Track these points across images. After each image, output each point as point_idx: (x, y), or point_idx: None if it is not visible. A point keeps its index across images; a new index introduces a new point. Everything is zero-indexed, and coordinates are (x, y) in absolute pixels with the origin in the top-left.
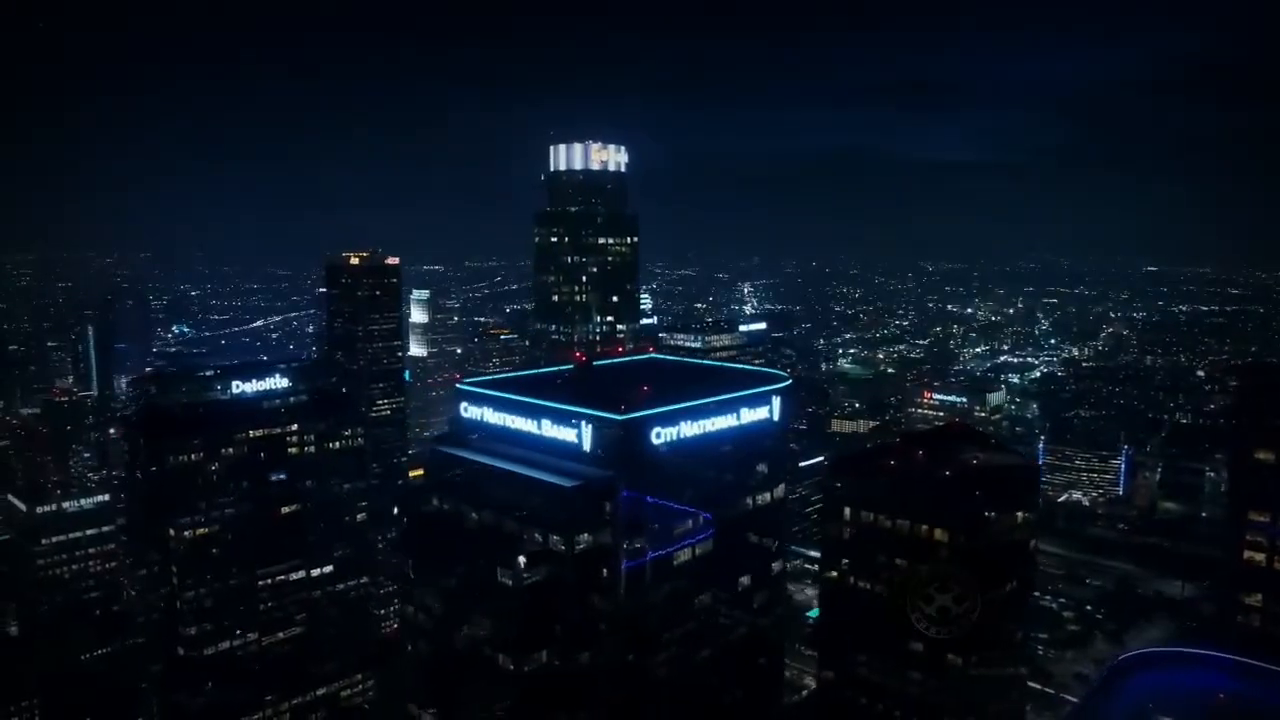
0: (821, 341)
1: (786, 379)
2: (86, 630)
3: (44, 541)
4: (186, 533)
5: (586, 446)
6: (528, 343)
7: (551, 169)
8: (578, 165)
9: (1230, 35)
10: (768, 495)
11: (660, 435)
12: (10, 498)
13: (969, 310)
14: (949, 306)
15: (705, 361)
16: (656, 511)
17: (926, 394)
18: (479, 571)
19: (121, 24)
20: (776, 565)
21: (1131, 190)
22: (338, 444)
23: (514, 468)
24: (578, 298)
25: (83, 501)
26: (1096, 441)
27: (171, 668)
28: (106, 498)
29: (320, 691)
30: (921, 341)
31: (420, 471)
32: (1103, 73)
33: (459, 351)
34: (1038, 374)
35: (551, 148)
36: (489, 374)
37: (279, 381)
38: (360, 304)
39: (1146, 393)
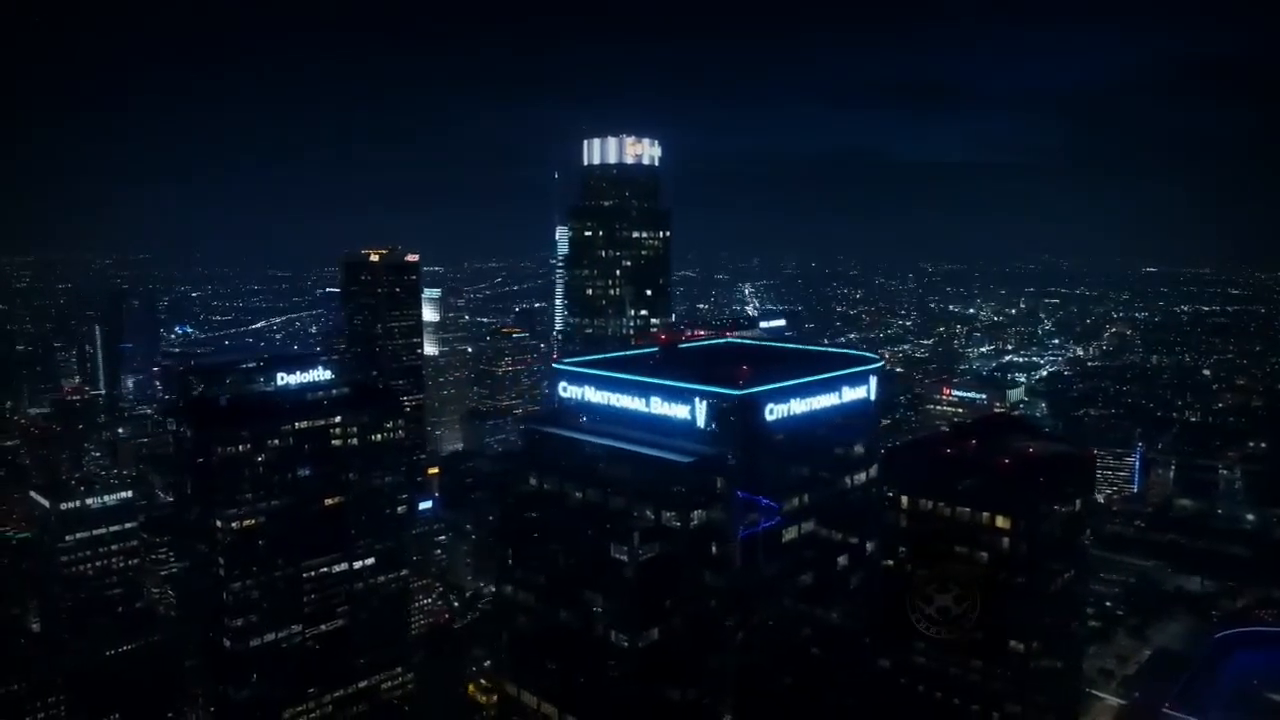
0: (826, 341)
1: (878, 360)
2: (110, 627)
3: (67, 538)
4: (234, 524)
5: (700, 422)
6: (540, 342)
7: (585, 163)
8: (612, 159)
9: (1230, 35)
10: (863, 475)
11: (773, 411)
12: (33, 494)
13: (971, 310)
14: (951, 307)
15: (782, 344)
16: (767, 488)
17: (946, 390)
18: (587, 549)
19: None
20: (870, 546)
21: (1130, 191)
22: (379, 436)
23: (621, 445)
24: (612, 292)
25: (105, 498)
26: (1109, 439)
27: (218, 660)
28: (129, 494)
29: (361, 684)
30: (926, 341)
31: (436, 470)
32: (1101, 73)
33: (469, 350)
34: (1044, 373)
35: (585, 142)
36: (585, 356)
37: (322, 374)
38: (380, 300)
39: (1154, 391)
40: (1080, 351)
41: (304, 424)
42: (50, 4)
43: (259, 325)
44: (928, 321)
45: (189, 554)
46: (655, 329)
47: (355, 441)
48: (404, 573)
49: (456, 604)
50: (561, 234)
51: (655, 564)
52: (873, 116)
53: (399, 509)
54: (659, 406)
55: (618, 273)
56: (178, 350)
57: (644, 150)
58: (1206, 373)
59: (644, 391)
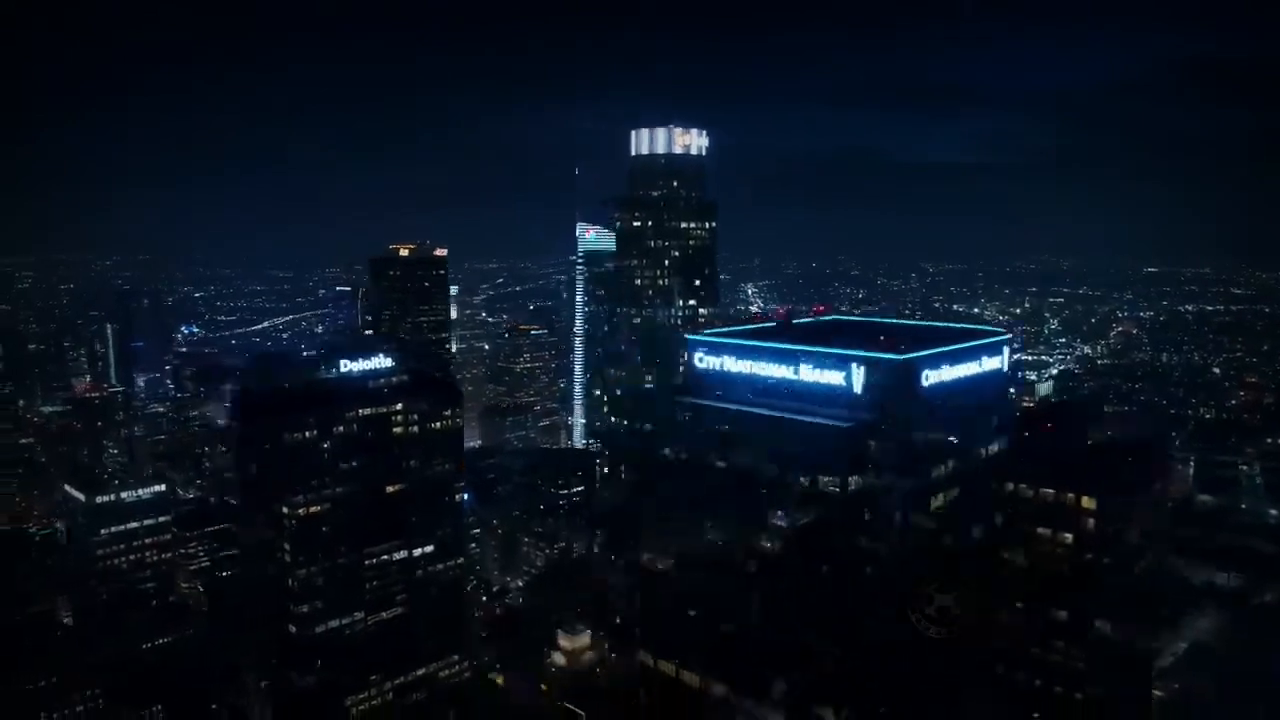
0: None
1: (1006, 333)
2: (145, 620)
3: (101, 532)
4: (300, 510)
5: (857, 388)
6: (558, 339)
7: (633, 153)
8: (660, 149)
9: (1230, 36)
10: (996, 446)
11: (928, 378)
12: (67, 488)
13: (975, 310)
14: (955, 306)
15: (893, 321)
16: (920, 454)
17: None
18: (739, 516)
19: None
20: (999, 519)
21: (1130, 192)
22: (438, 424)
23: (774, 412)
24: (660, 281)
25: (139, 491)
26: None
27: (282, 646)
28: (162, 487)
29: (420, 672)
30: None
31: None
32: (1100, 74)
33: (487, 347)
34: (1054, 371)
35: (634, 132)
36: (717, 329)
37: (382, 361)
38: (409, 296)
39: (1165, 389)
40: (1088, 350)
41: (367, 411)
42: (51, 4)
43: (264, 325)
44: (933, 320)
45: (248, 542)
46: (702, 319)
47: (415, 429)
48: (460, 561)
49: (484, 597)
50: (584, 230)
51: (813, 529)
52: (873, 116)
53: (456, 497)
54: (809, 374)
55: (666, 263)
56: (185, 350)
57: (692, 140)
58: (1216, 370)
59: (792, 359)
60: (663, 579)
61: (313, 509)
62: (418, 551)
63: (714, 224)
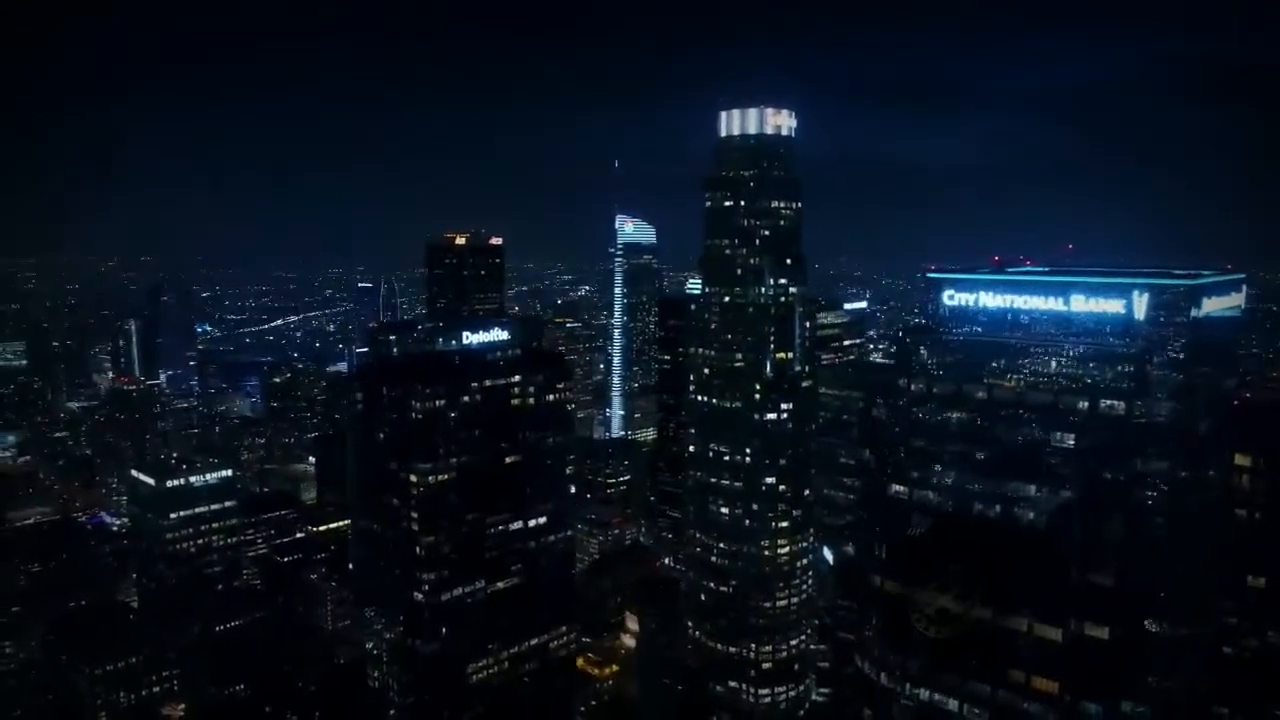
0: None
1: (1241, 273)
2: (215, 603)
3: (172, 516)
4: (430, 478)
5: (1139, 315)
6: (592, 331)
7: (722, 134)
8: (751, 130)
9: (1230, 36)
10: (1233, 382)
11: (1202, 306)
12: (134, 473)
13: None
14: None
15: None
16: (1198, 382)
17: None
18: (1011, 444)
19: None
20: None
21: (1130, 192)
22: (552, 397)
23: (1035, 344)
24: (751, 261)
25: (208, 476)
26: None
27: (409, 613)
28: (229, 472)
29: (533, 642)
30: None
31: None
32: (1098, 75)
33: None
34: None
35: (723, 113)
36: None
37: (501, 334)
38: (465, 283)
39: None
40: None
41: (488, 382)
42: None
43: (276, 323)
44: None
45: (371, 509)
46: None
47: (532, 401)
48: (569, 533)
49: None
50: (622, 222)
51: (1093, 453)
52: (873, 116)
53: (567, 469)
54: (1082, 304)
55: (756, 242)
56: (201, 348)
57: (783, 121)
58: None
59: (1061, 290)
60: (912, 508)
61: (441, 476)
62: (532, 522)
63: (799, 204)
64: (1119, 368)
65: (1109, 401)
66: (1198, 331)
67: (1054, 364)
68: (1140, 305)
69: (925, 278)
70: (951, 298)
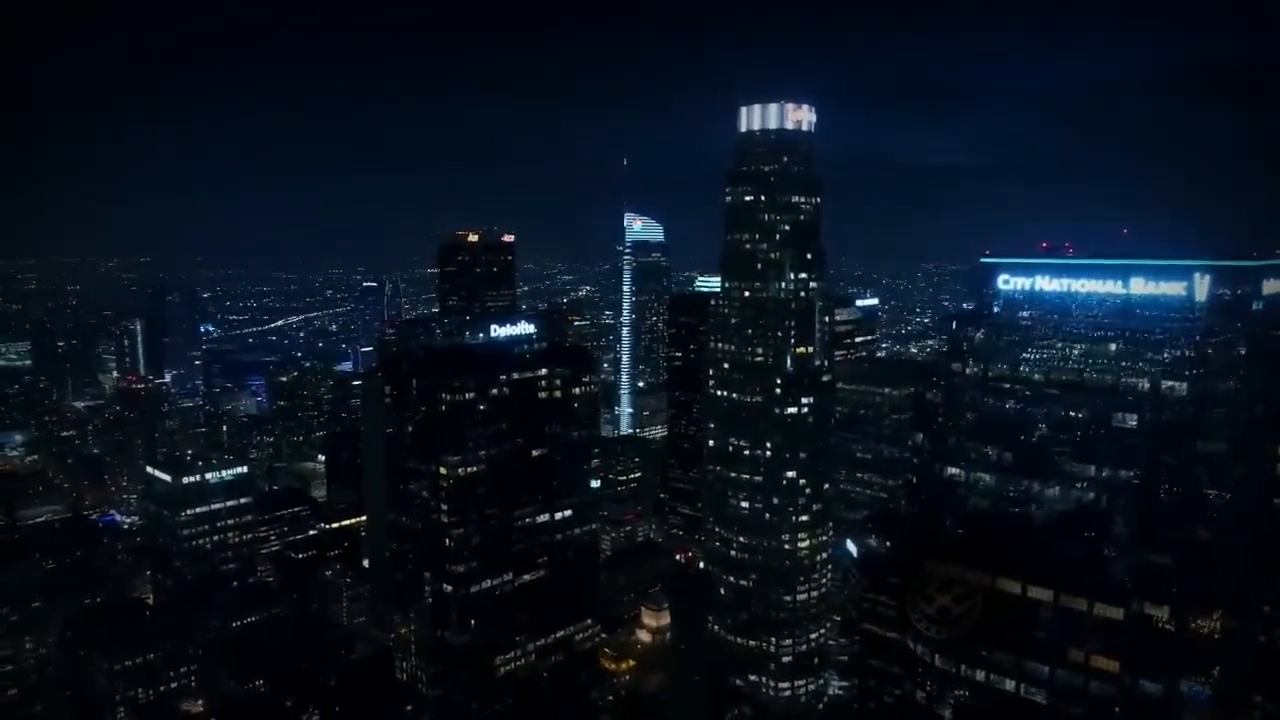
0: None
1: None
2: (231, 600)
3: (187, 512)
4: (460, 470)
5: (1200, 297)
6: (597, 330)
7: (742, 129)
8: (772, 125)
9: (1232, 36)
10: None
11: (1266, 287)
12: (150, 470)
13: None
14: (965, 305)
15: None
16: (1256, 364)
17: None
18: (1069, 424)
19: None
20: None
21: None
22: (578, 390)
23: (1092, 329)
24: (772, 255)
25: (223, 473)
26: None
27: (438, 604)
28: (244, 469)
29: (559, 634)
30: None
31: None
32: (1098, 75)
33: None
34: None
35: (744, 109)
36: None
37: (527, 328)
38: (478, 280)
39: None
40: None
41: (516, 375)
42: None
43: (278, 324)
44: (944, 319)
45: (395, 503)
46: (813, 290)
47: (559, 395)
48: (594, 526)
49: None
50: (631, 220)
51: (1154, 433)
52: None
53: (592, 463)
54: (1142, 286)
55: (777, 236)
56: (205, 348)
57: (803, 116)
58: None
59: (1121, 273)
60: (967, 488)
61: (470, 469)
62: (558, 515)
63: (819, 199)
64: (1179, 351)
65: (1169, 383)
66: (1260, 313)
67: (1113, 346)
68: (1202, 287)
69: (979, 263)
70: (1007, 282)
